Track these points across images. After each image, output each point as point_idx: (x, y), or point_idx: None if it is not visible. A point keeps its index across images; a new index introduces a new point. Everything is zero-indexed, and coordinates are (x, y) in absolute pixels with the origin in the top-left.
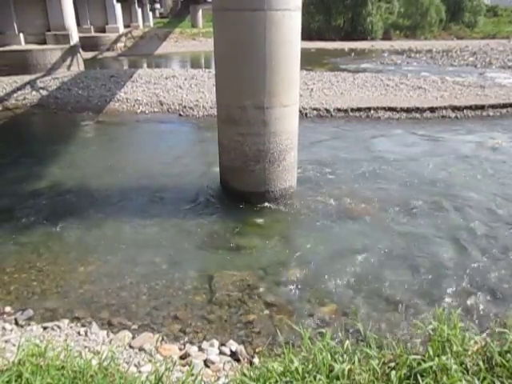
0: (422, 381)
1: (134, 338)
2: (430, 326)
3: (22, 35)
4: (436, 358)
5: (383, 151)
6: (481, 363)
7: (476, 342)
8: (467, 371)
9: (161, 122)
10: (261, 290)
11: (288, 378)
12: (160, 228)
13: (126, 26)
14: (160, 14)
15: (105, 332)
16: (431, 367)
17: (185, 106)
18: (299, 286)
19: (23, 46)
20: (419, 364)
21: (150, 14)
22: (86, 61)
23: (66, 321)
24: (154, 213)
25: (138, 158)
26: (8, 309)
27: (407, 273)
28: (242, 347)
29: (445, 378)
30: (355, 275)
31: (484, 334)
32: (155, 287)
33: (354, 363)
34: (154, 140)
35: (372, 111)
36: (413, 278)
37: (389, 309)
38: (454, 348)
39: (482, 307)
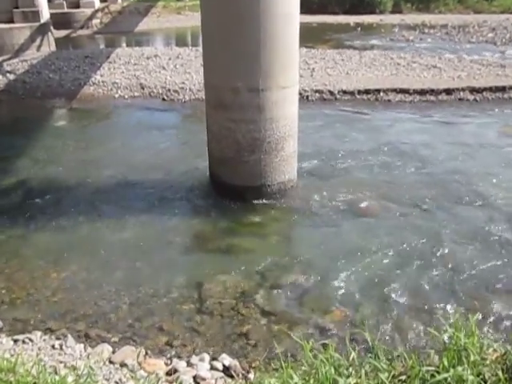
0: None
1: (114, 352)
2: (445, 333)
3: None
4: (451, 369)
5: (394, 138)
6: (500, 373)
7: (495, 350)
8: (485, 382)
9: (142, 108)
10: (257, 297)
11: None
12: (142, 229)
13: (102, 1)
14: None
15: (82, 345)
16: (446, 379)
17: (169, 90)
18: (300, 293)
19: None
20: (433, 376)
21: None
22: (57, 40)
23: (39, 333)
24: (135, 212)
25: (117, 150)
26: None
27: (421, 277)
28: (235, 361)
29: None
30: (363, 279)
31: (503, 341)
32: (137, 295)
33: (360, 377)
34: (135, 129)
35: (381, 93)
36: (427, 283)
37: (400, 316)
38: (471, 357)
39: (501, 312)
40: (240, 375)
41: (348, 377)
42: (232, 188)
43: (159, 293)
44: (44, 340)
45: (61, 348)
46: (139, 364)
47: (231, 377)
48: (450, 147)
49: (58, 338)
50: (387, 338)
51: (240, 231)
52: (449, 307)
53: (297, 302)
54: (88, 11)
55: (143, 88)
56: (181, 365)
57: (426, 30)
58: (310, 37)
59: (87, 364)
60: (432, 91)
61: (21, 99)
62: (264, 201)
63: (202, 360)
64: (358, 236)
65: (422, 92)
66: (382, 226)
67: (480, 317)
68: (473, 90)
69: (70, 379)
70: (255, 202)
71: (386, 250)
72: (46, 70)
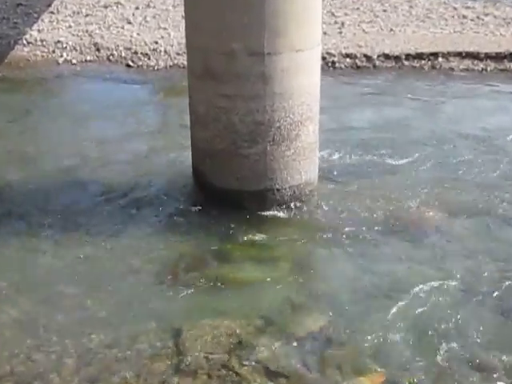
0: None
1: None
2: None
3: None
4: None
5: (457, 124)
6: None
7: None
8: None
9: (97, 78)
10: (259, 349)
11: None
12: (97, 250)
13: None
14: None
15: None
16: None
17: (136, 52)
18: (321, 344)
19: None
20: None
21: None
22: None
23: None
24: (88, 226)
25: (63, 140)
26: None
27: (491, 321)
28: None
29: None
30: (410, 325)
31: None
32: (88, 346)
33: None
34: (87, 108)
35: (440, 59)
36: (499, 329)
37: (462, 375)
38: None
39: None
40: None
41: None
42: (225, 193)
43: (120, 343)
44: None
45: None
46: None
47: None
48: None
49: None
50: None
51: (236, 255)
52: None
53: (316, 357)
54: None
55: (99, 49)
56: None
57: None
58: None
59: None
60: None
61: None
62: (270, 212)
63: None
64: (403, 262)
65: (497, 57)
66: (436, 247)
67: None
68: None
69: None
70: (258, 212)
71: (444, 284)
72: None
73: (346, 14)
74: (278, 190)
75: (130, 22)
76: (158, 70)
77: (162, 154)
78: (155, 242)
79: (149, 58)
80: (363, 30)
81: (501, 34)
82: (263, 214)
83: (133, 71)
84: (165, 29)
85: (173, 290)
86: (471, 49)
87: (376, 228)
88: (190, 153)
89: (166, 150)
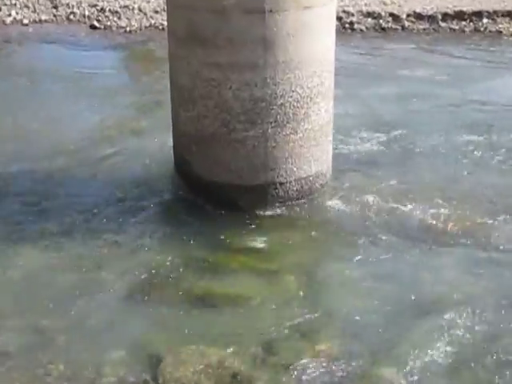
0: None
1: None
2: None
3: None
4: None
5: (509, 103)
6: None
7: None
8: None
9: (55, 43)
10: None
11: None
12: (57, 258)
13: None
14: None
15: None
16: None
17: (103, 10)
18: (334, 377)
19: None
20: None
21: None
22: None
23: None
24: (45, 229)
25: (6, 120)
26: None
27: None
28: None
29: None
30: (446, 354)
31: None
32: (46, 380)
33: None
34: (41, 82)
35: (485, 20)
36: None
37: None
38: None
39: None
40: None
41: None
42: (215, 189)
43: (80, 376)
44: None
45: None
46: None
47: None
48: None
49: None
50: None
51: (229, 266)
52: None
53: None
54: None
55: (57, 7)
56: None
57: None
58: None
59: None
60: None
61: None
62: (272, 212)
63: None
64: (436, 276)
65: None
66: (479, 259)
67: None
68: None
69: None
70: (257, 212)
71: (483, 300)
72: None
73: None
74: (281, 183)
75: None
76: (130, 32)
77: (133, 138)
78: (128, 249)
79: (119, 18)
80: None
81: None
82: (263, 213)
83: (99, 34)
84: None
85: (149, 308)
86: None
87: (404, 233)
88: (172, 138)
89: (140, 134)
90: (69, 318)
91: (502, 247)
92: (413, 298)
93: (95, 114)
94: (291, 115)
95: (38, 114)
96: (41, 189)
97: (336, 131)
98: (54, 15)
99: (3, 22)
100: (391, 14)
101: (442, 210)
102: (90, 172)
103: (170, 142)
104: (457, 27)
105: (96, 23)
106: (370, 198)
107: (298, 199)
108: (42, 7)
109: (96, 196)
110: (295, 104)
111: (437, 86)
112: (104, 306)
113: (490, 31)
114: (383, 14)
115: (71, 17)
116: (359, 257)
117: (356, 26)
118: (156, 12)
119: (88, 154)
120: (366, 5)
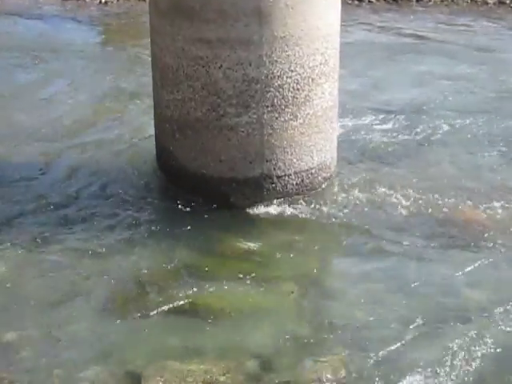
0: None
1: None
2: None
3: None
4: None
5: None
6: None
7: None
8: None
9: (19, 17)
10: None
11: None
12: (26, 263)
13: None
14: None
15: None
16: None
17: None
18: None
19: None
20: None
21: None
22: None
23: None
24: (9, 230)
25: None
26: None
27: None
28: None
29: None
30: (474, 373)
31: None
32: None
33: None
34: (7, 59)
35: None
36: None
37: None
38: None
39: None
40: None
41: None
42: (202, 182)
43: None
44: None
45: None
46: None
47: None
48: None
49: None
50: None
51: (218, 271)
52: None
53: None
54: None
55: None
56: None
57: None
58: None
59: None
60: None
61: None
62: (268, 209)
63: None
64: (455, 281)
65: None
66: (503, 265)
67: None
68: None
69: None
70: (250, 210)
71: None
72: None
73: None
74: (279, 177)
75: None
76: (105, 3)
77: (108, 125)
78: (104, 254)
79: None
80: None
81: None
82: (257, 211)
83: (70, 5)
84: None
85: (128, 320)
86: None
87: (417, 234)
88: (153, 125)
89: (116, 120)
90: (39, 330)
91: None
92: (424, 307)
93: (67, 94)
94: (290, 98)
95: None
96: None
97: (341, 116)
98: None
99: None
100: None
101: (464, 207)
102: (58, 163)
103: (151, 131)
104: None
105: None
106: (381, 194)
107: (297, 195)
108: None
109: (64, 193)
110: (295, 86)
111: (456, 65)
112: (78, 317)
113: None
114: None
115: None
116: (368, 262)
117: None
118: None
119: (59, 145)
120: None
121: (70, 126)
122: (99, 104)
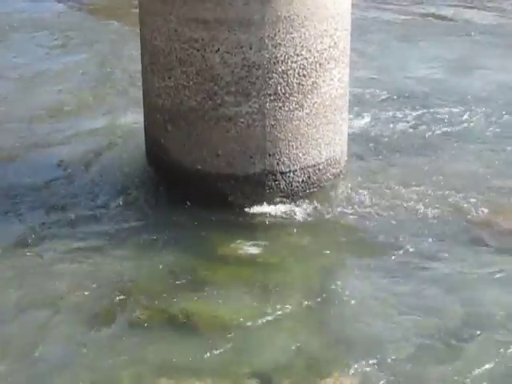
0: None
1: None
2: None
3: None
4: None
5: None
6: None
7: None
8: None
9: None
10: None
11: None
12: (6, 269)
13: None
14: None
15: None
16: None
17: None
18: None
19: None
20: None
21: None
22: None
23: None
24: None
25: None
26: None
27: None
28: None
29: None
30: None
31: None
32: None
33: None
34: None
35: None
36: None
37: None
38: None
39: None
40: None
41: None
42: (198, 178)
43: None
44: None
45: None
46: None
47: None
48: None
49: None
50: None
51: (216, 278)
52: None
53: None
54: None
55: None
56: None
57: None
58: None
59: None
60: None
61: None
62: (270, 209)
63: None
64: (476, 290)
65: None
66: None
67: None
68: None
69: None
70: (250, 210)
71: None
72: None
73: None
74: (283, 173)
75: None
76: None
77: (95, 116)
78: (91, 259)
79: None
80: None
81: None
82: (259, 211)
83: None
84: None
85: (117, 334)
86: None
87: (434, 237)
88: (142, 116)
89: (102, 110)
90: (16, 345)
91: None
92: (443, 320)
93: (49, 79)
94: (295, 86)
95: None
96: None
97: (352, 105)
98: None
99: None
100: None
101: (487, 206)
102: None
103: (140, 122)
104: None
105: None
106: (395, 192)
107: (304, 193)
108: None
109: (45, 184)
110: (300, 71)
111: (481, 52)
112: (62, 330)
113: None
114: None
115: None
116: (381, 267)
117: None
118: None
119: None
120: None
121: (45, 115)
122: (77, 92)
